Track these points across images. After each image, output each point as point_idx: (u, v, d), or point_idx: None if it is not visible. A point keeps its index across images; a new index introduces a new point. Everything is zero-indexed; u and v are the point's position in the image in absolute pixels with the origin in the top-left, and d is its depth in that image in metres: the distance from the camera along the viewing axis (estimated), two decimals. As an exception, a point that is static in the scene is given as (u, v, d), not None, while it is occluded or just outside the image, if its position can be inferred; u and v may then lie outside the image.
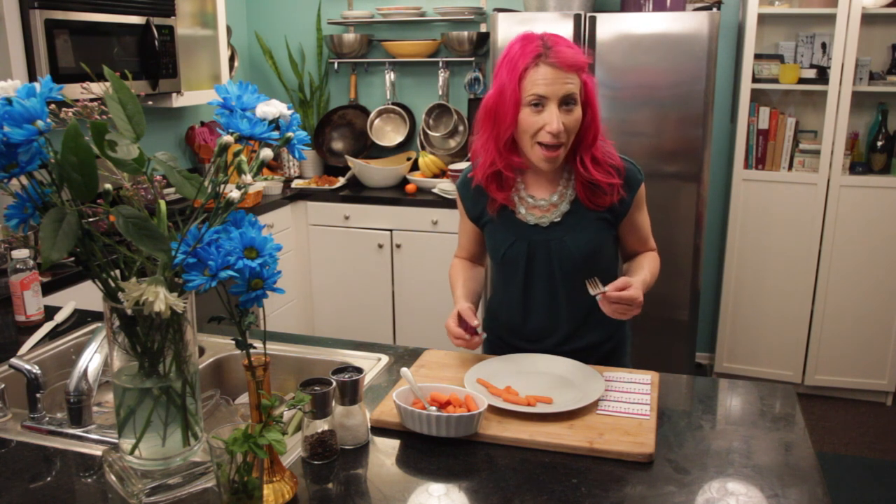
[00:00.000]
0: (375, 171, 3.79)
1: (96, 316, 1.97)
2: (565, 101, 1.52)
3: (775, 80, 3.38)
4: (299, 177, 4.00)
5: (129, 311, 1.00)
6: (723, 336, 3.63)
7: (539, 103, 1.51)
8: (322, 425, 1.24)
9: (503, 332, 1.78)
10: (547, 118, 1.51)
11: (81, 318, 1.96)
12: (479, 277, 1.84)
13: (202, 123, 3.81)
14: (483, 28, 3.82)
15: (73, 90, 2.36)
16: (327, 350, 1.74)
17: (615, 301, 1.50)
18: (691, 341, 3.29)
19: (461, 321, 1.59)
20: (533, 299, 1.70)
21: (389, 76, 4.00)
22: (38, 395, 1.40)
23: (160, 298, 0.97)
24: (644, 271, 1.67)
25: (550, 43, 1.52)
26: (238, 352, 1.35)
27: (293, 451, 1.27)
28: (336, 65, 4.04)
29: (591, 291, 1.53)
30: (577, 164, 1.61)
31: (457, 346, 1.60)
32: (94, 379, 1.37)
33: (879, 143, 3.34)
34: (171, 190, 2.72)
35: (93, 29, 2.69)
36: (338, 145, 4.14)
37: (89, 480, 1.22)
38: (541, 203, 1.65)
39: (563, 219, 1.64)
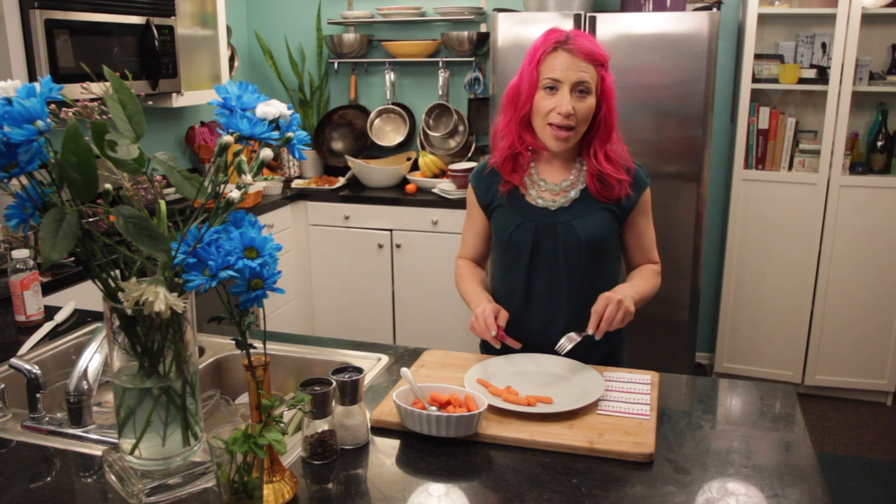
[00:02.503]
0: (375, 171, 3.79)
1: (96, 316, 1.97)
2: (578, 88, 1.59)
3: (775, 80, 3.38)
4: (299, 177, 4.00)
5: (129, 311, 1.00)
6: (723, 336, 3.63)
7: (553, 86, 1.59)
8: (322, 425, 1.24)
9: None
10: (558, 100, 1.58)
11: (81, 318, 1.96)
12: (486, 281, 1.85)
13: (202, 123, 3.81)
14: (483, 28, 3.82)
15: (73, 90, 2.37)
16: (327, 350, 1.74)
17: (600, 320, 1.54)
18: (691, 341, 3.29)
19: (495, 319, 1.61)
20: (535, 286, 1.72)
21: (389, 76, 4.00)
22: (38, 395, 1.40)
23: (160, 298, 0.97)
24: (637, 281, 1.72)
25: (573, 35, 1.62)
26: (238, 352, 1.35)
27: (293, 451, 1.27)
28: (336, 65, 4.04)
29: (578, 337, 1.57)
30: (591, 156, 1.66)
31: (473, 331, 1.62)
32: (94, 379, 1.37)
33: (879, 143, 3.34)
34: (171, 190, 2.72)
35: (93, 29, 2.69)
36: (338, 145, 4.14)
37: (89, 480, 1.22)
38: (552, 186, 1.70)
39: (572, 205, 1.69)
